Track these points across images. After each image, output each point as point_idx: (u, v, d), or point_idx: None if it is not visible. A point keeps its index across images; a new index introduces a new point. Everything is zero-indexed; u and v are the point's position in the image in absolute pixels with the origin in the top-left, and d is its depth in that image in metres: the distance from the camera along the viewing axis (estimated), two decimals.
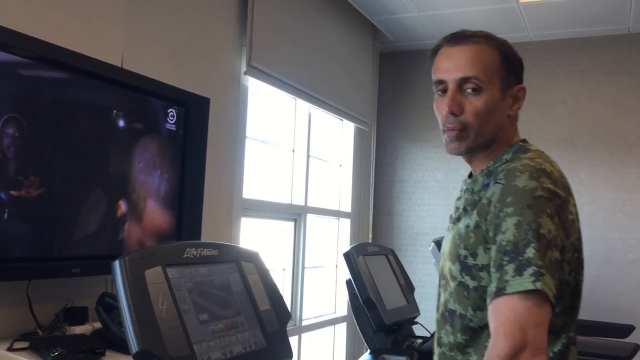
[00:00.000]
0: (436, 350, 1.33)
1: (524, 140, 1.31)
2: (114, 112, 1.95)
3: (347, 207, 4.38)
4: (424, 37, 4.43)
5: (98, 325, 1.81)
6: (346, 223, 4.37)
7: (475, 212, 1.20)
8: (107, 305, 1.76)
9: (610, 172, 4.10)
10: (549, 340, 1.11)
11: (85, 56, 1.87)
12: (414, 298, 2.72)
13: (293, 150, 3.73)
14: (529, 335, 1.02)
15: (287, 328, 1.61)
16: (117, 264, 1.23)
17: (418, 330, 2.69)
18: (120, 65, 2.15)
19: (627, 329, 3.30)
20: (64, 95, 1.80)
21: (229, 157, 2.88)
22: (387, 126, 4.74)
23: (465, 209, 1.26)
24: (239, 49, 2.96)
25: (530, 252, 1.07)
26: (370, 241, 4.48)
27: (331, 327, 4.22)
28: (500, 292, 1.07)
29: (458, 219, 1.28)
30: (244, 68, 2.96)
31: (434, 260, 3.37)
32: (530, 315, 1.04)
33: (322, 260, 4.14)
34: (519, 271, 1.06)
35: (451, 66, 1.26)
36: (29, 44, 1.68)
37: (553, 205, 1.14)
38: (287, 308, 1.63)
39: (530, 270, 1.05)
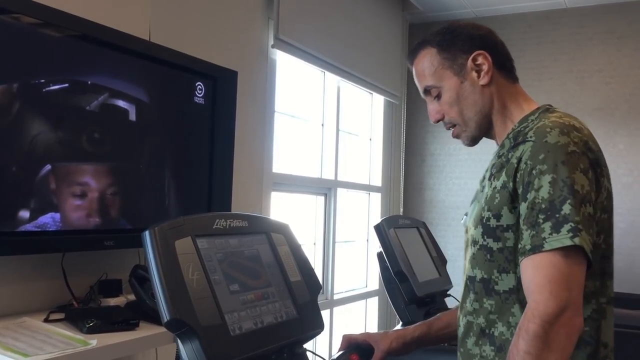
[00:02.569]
0: (461, 322, 1.32)
1: (550, 105, 1.32)
2: (142, 85, 1.94)
3: (377, 181, 4.35)
4: (455, 7, 4.33)
5: (132, 297, 1.83)
6: (377, 197, 4.34)
7: (503, 172, 1.20)
8: (140, 278, 1.77)
9: None
10: None
11: (112, 29, 1.86)
12: (446, 271, 2.68)
13: (322, 125, 3.71)
14: (573, 295, 1.04)
15: (319, 302, 1.60)
16: (147, 234, 1.22)
17: (451, 303, 2.66)
18: (147, 39, 2.14)
19: None
20: (91, 69, 1.80)
21: (258, 131, 2.88)
22: (418, 99, 4.65)
23: (492, 174, 1.25)
24: (267, 22, 2.93)
25: (566, 208, 1.07)
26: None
27: (363, 301, 4.22)
28: (537, 249, 1.07)
29: (484, 188, 1.28)
30: (271, 41, 2.93)
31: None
32: (574, 274, 1.05)
33: (353, 235, 4.14)
34: (556, 228, 1.06)
35: (417, 84, 1.41)
36: (56, 17, 1.68)
37: (587, 160, 1.14)
38: (317, 279, 1.62)
39: (567, 226, 1.06)
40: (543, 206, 1.09)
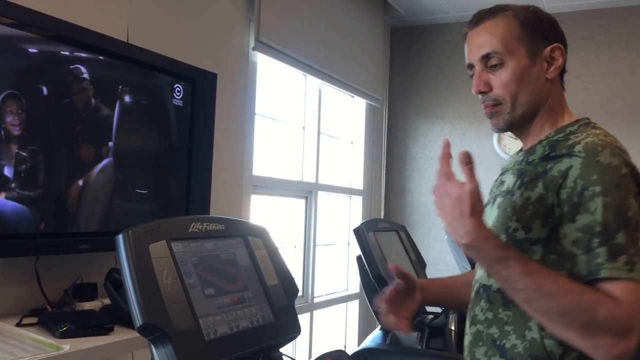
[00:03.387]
0: (469, 330, 1.29)
1: (589, 119, 1.28)
2: (120, 87, 1.93)
3: (359, 184, 4.35)
4: (437, 12, 4.35)
5: (107, 301, 1.81)
6: (358, 200, 4.35)
7: (540, 184, 1.15)
8: (116, 281, 1.75)
9: (626, 146, 3.99)
10: None
11: (90, 31, 1.84)
12: (425, 274, 2.69)
13: (304, 128, 3.70)
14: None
15: (299, 305, 1.60)
16: (120, 237, 1.21)
17: (429, 308, 2.67)
18: (125, 40, 2.12)
19: None
20: (67, 71, 1.78)
21: (238, 134, 2.86)
22: (399, 102, 4.69)
23: (522, 181, 1.20)
24: (247, 24, 2.92)
25: (621, 237, 1.05)
26: (382, 218, 4.46)
27: (343, 305, 4.22)
28: (593, 274, 1.05)
29: (509, 192, 1.22)
30: (252, 43, 2.92)
31: (446, 236, 3.34)
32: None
33: (334, 238, 4.13)
34: (612, 256, 1.04)
35: (473, 48, 1.27)
36: (31, 18, 1.66)
37: (636, 184, 1.11)
38: (295, 283, 1.62)
39: (623, 258, 1.04)
40: (597, 230, 1.06)
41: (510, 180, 1.25)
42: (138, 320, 1.15)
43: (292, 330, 1.52)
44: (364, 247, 2.35)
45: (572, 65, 4.45)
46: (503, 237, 1.19)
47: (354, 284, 4.21)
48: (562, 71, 1.31)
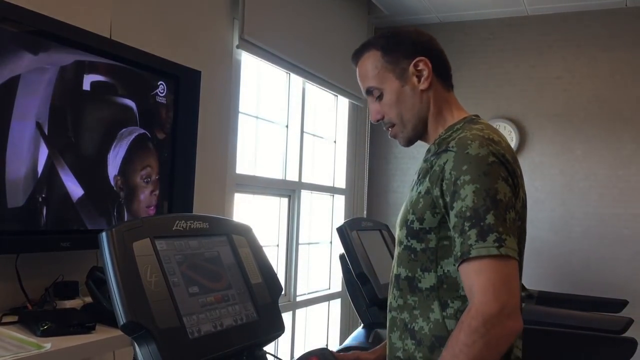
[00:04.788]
0: (388, 317, 1.39)
1: (477, 116, 1.39)
2: (103, 83, 1.91)
3: (341, 183, 4.36)
4: (420, 12, 4.38)
5: (89, 299, 1.80)
6: (341, 199, 4.36)
7: (427, 179, 1.26)
8: (98, 280, 1.74)
9: (605, 148, 4.08)
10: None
11: (72, 26, 1.82)
12: None
13: (287, 126, 3.70)
14: (514, 297, 1.12)
15: (282, 304, 1.60)
16: (104, 235, 1.20)
17: None
18: (108, 36, 2.11)
19: (621, 304, 3.32)
20: (50, 67, 1.76)
21: (221, 132, 2.85)
22: None
23: (418, 178, 1.32)
24: (231, 22, 2.91)
25: (490, 218, 1.14)
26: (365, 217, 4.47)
27: (326, 303, 4.23)
28: (465, 255, 1.14)
29: (411, 189, 1.35)
30: (236, 42, 2.92)
31: None
32: (512, 278, 1.13)
33: (317, 237, 4.14)
34: (482, 236, 1.13)
35: (360, 83, 1.46)
36: (11, 13, 1.64)
37: (505, 170, 1.20)
38: (279, 281, 1.61)
39: (492, 236, 1.13)
40: (468, 214, 1.15)
41: (415, 177, 1.36)
42: (121, 318, 1.15)
43: (276, 329, 1.52)
44: (347, 245, 2.36)
45: (553, 66, 4.48)
46: (404, 230, 1.32)
47: (337, 283, 4.22)
48: (444, 73, 1.40)
